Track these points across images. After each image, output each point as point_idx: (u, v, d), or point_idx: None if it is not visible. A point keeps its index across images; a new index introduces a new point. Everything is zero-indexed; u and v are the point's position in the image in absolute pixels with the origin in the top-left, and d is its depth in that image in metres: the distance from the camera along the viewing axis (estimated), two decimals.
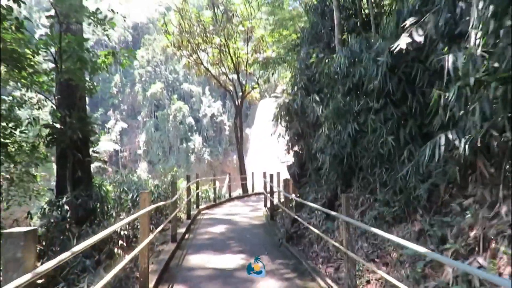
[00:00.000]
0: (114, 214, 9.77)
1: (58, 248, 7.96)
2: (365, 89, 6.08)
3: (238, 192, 23.56)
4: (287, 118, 9.63)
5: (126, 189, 11.18)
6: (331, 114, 6.95)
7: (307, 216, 7.62)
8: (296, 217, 6.86)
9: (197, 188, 12.22)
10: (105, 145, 70.07)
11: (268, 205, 12.13)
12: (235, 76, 21.50)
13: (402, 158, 5.28)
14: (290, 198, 7.30)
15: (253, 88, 23.19)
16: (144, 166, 67.00)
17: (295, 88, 9.23)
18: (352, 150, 6.35)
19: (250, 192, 20.62)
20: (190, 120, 65.50)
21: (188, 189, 9.97)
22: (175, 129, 64.52)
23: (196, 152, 62.82)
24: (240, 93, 21.82)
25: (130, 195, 10.72)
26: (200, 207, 12.59)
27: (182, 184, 22.43)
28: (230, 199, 16.93)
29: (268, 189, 12.67)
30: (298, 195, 10.39)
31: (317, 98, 8.30)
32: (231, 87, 22.32)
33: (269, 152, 49.85)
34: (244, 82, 21.44)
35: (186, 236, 8.12)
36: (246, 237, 7.83)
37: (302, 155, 8.79)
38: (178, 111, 64.87)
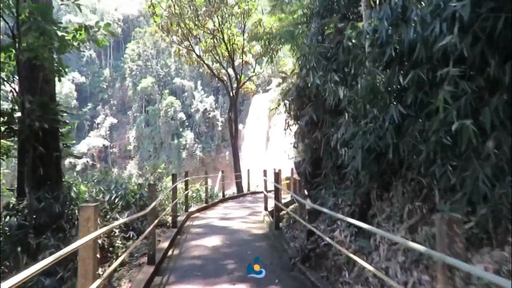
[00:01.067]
0: None
1: (12, 263, 6.36)
2: (416, 57, 4.36)
3: (232, 190, 21.89)
4: (293, 106, 7.87)
5: (103, 188, 9.40)
6: (362, 94, 5.23)
7: (327, 228, 5.87)
8: (314, 229, 5.13)
9: (186, 188, 10.41)
10: (94, 140, 68.48)
11: (269, 207, 10.40)
12: (229, 65, 19.67)
13: (484, 151, 3.58)
14: (304, 204, 5.53)
15: (249, 77, 21.37)
16: (135, 162, 65.38)
17: (306, 68, 7.49)
18: (396, 140, 4.63)
19: (245, 191, 18.91)
20: (181, 115, 64.06)
21: (174, 191, 8.19)
22: (166, 125, 63.08)
23: (188, 148, 61.33)
24: (235, 85, 19.98)
25: (108, 196, 9.02)
26: (190, 210, 10.83)
27: (170, 183, 20.60)
28: (224, 199, 15.18)
29: (270, 189, 10.98)
30: (302, 195, 8.75)
31: (336, 78, 6.57)
32: (225, 78, 20.50)
33: (265, 148, 48.31)
34: (239, 71, 19.64)
35: (170, 253, 6.35)
36: (247, 254, 6.07)
37: (317, 149, 7.05)
38: (169, 106, 63.37)
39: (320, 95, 6.86)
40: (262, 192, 18.81)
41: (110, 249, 7.75)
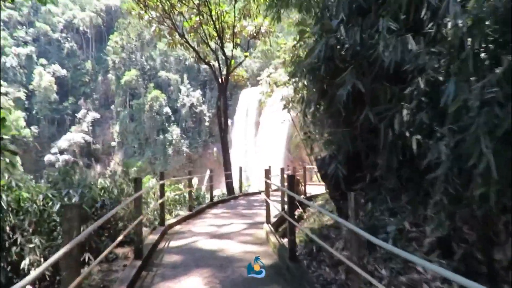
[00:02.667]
0: (19, 240, 5.42)
1: None
2: None
3: (221, 191, 19.37)
4: (319, 73, 5.29)
5: (50, 195, 6.71)
6: (479, 32, 2.77)
7: (398, 277, 3.36)
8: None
9: (162, 195, 7.75)
10: (75, 136, 65.35)
11: (272, 219, 7.91)
12: (218, 47, 17.05)
13: None
14: (366, 238, 3.00)
15: (245, 58, 18.80)
16: (119, 159, 62.68)
17: (336, 19, 4.98)
18: None
19: (236, 192, 16.37)
20: (167, 110, 61.53)
21: (138, 203, 5.56)
22: (152, 120, 60.46)
23: (174, 144, 58.80)
24: (224, 72, 17.32)
25: (58, 205, 6.39)
26: (169, 222, 8.25)
27: (149, 183, 17.85)
28: (213, 204, 12.61)
29: (269, 194, 8.53)
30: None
31: (393, 26, 4.07)
32: (213, 62, 17.85)
33: (254, 145, 45.85)
34: (230, 49, 17.01)
35: None
36: None
37: (358, 139, 4.52)
38: (154, 100, 60.70)
39: (363, 54, 4.35)
40: (256, 194, 16.38)
41: (56, 278, 5.37)
